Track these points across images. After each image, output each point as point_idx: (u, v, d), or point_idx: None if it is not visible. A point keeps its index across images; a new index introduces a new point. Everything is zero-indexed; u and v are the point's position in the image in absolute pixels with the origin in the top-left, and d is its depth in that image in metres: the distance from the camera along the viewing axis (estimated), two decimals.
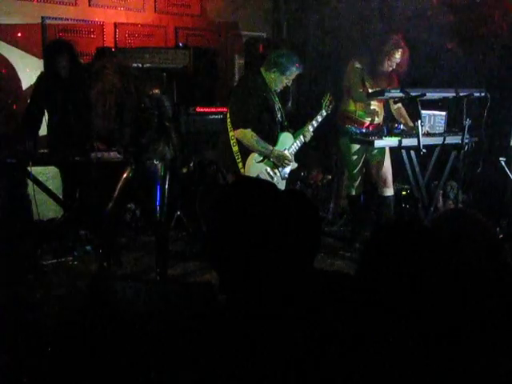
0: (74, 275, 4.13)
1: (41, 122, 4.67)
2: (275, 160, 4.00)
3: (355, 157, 4.71)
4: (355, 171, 4.78)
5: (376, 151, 4.67)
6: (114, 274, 4.05)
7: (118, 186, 3.87)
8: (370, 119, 4.66)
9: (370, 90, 4.48)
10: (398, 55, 4.45)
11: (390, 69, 4.54)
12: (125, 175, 3.88)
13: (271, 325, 1.43)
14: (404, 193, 5.46)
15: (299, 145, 4.15)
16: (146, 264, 4.27)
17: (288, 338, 1.40)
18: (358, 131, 4.61)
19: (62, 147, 4.34)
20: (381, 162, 4.70)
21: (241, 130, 3.90)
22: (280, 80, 4.00)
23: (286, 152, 4.07)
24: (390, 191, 4.76)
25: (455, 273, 1.43)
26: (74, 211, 4.64)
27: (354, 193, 4.87)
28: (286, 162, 4.04)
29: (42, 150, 4.34)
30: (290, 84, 4.08)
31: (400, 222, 1.81)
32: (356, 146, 4.64)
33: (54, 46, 4.85)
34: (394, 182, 4.82)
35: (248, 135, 3.90)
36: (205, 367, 1.50)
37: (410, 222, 1.66)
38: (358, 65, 4.58)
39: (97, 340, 2.95)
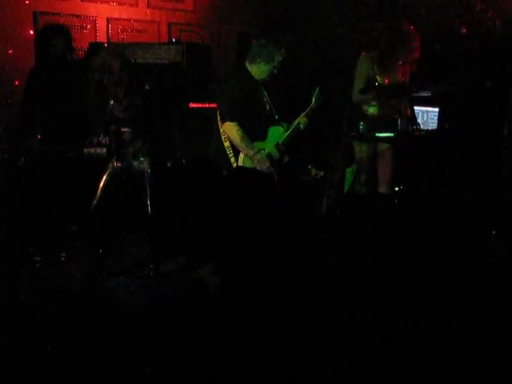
0: (67, 271, 4.11)
1: (37, 117, 4.64)
2: (257, 163, 3.95)
3: (364, 153, 4.70)
4: (363, 167, 4.78)
5: (383, 146, 4.65)
6: (106, 269, 4.05)
7: (101, 183, 3.87)
8: (380, 113, 4.61)
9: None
10: (408, 47, 4.39)
11: (402, 62, 4.48)
12: (107, 171, 3.88)
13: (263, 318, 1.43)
14: (396, 188, 5.46)
15: (290, 139, 4.13)
16: (139, 260, 4.25)
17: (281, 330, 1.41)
18: (365, 127, 4.55)
19: (55, 143, 4.32)
20: (383, 158, 4.69)
21: (227, 122, 3.90)
22: (267, 69, 4.00)
23: (276, 148, 4.04)
24: (385, 188, 4.76)
25: None
26: (66, 207, 4.62)
27: (360, 190, 4.87)
28: (267, 166, 3.98)
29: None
30: (276, 71, 4.05)
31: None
32: (365, 143, 4.64)
33: (50, 27, 4.80)
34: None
35: (234, 129, 3.88)
36: (198, 360, 1.50)
37: None
38: (366, 59, 4.54)
39: (90, 336, 2.95)
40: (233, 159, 3.94)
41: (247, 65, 4.05)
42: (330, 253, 4.67)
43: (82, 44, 5.55)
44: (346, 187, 5.25)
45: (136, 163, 3.90)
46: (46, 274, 4.04)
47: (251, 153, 3.94)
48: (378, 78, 4.52)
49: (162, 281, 3.92)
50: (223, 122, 3.92)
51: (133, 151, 3.89)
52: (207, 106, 5.44)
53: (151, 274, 3.96)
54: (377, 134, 4.45)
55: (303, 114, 4.15)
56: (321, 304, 1.49)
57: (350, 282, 1.52)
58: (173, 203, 4.91)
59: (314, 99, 4.22)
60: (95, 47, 5.32)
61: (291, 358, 1.41)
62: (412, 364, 1.37)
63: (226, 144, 3.94)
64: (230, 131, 3.89)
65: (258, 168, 3.97)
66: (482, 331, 1.37)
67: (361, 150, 4.70)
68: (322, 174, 5.86)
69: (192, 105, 5.46)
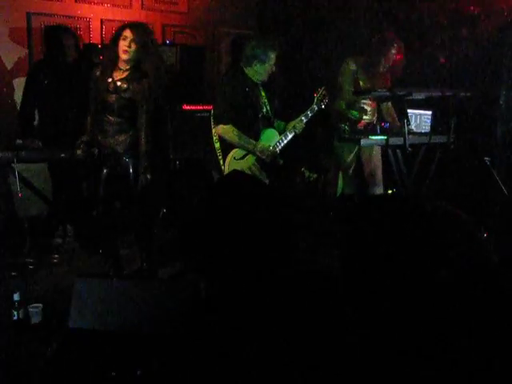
0: (60, 272, 4.10)
1: (35, 116, 4.67)
2: (259, 154, 3.92)
3: (348, 155, 4.73)
4: (348, 169, 4.80)
5: (366, 148, 4.70)
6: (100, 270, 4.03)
7: (101, 186, 3.81)
8: (362, 117, 4.67)
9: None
10: (393, 55, 4.50)
11: (386, 68, 4.58)
12: (104, 172, 3.80)
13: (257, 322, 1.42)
14: (390, 191, 5.48)
15: (285, 141, 4.05)
16: (134, 261, 4.24)
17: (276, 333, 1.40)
18: (349, 129, 4.58)
19: (51, 143, 4.29)
20: (370, 160, 4.73)
21: (221, 125, 3.88)
22: (263, 69, 3.95)
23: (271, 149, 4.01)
24: (379, 190, 4.78)
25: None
26: (60, 208, 4.62)
27: (346, 191, 4.90)
28: (271, 155, 3.96)
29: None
30: (274, 69, 4.00)
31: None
32: (348, 144, 4.66)
33: (59, 28, 4.90)
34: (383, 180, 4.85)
35: (229, 130, 3.87)
36: (191, 364, 1.50)
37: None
38: (352, 64, 4.61)
39: (82, 338, 2.93)
40: (221, 161, 3.94)
41: (243, 67, 4.01)
42: (322, 254, 4.69)
43: None
44: (339, 189, 5.27)
45: (119, 159, 3.75)
46: (39, 275, 4.04)
47: (251, 147, 3.93)
48: (361, 83, 4.58)
49: (155, 281, 3.90)
50: (217, 124, 3.91)
51: (115, 142, 3.75)
52: (201, 107, 5.46)
53: (144, 274, 3.96)
54: (370, 137, 4.47)
55: (301, 117, 4.08)
56: (311, 305, 1.49)
57: (340, 283, 1.51)
58: (166, 204, 4.92)
59: (316, 99, 4.13)
60: (89, 48, 5.31)
61: (289, 360, 1.40)
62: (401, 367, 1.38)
63: (217, 146, 3.94)
64: (225, 134, 3.88)
65: (265, 159, 3.94)
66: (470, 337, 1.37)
67: (344, 155, 4.75)
68: (315, 176, 5.89)
69: (185, 107, 5.47)
